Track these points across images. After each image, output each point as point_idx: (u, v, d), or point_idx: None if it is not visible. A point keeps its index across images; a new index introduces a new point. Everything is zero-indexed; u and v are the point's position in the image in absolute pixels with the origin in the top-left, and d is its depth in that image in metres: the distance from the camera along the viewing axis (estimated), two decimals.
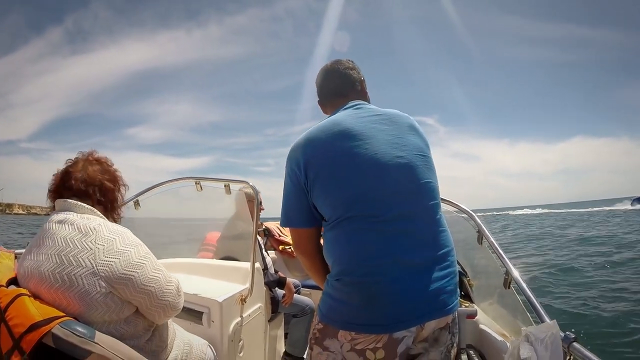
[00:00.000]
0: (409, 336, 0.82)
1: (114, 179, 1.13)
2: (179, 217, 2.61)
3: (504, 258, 1.42)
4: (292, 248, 2.82)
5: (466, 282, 1.96)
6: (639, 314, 4.06)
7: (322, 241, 0.99)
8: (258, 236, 1.80)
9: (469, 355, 1.50)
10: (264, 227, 3.08)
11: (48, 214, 1.03)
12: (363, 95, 1.11)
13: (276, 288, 2.07)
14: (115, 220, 1.11)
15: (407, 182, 0.89)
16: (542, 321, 1.01)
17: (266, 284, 1.92)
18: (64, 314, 0.86)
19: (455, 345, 0.94)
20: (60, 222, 0.97)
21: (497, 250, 1.49)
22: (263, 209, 1.93)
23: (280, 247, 3.09)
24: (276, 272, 2.17)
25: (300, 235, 1.00)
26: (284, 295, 2.08)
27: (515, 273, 1.33)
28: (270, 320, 1.97)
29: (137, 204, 2.13)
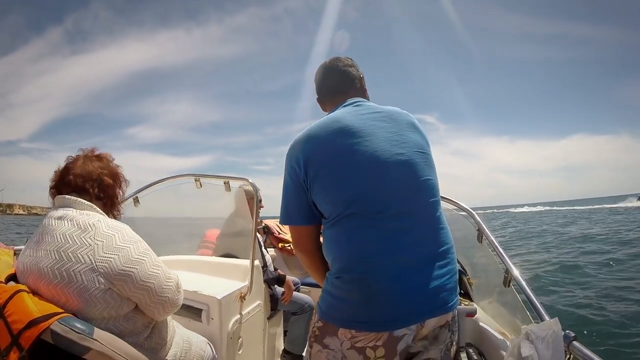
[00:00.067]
0: (409, 334, 0.82)
1: (114, 174, 1.12)
2: (179, 215, 2.60)
3: (503, 256, 1.42)
4: (291, 246, 2.82)
5: (465, 280, 1.96)
6: None
7: (321, 239, 0.99)
8: (257, 234, 1.80)
9: (468, 354, 1.50)
10: (263, 224, 3.07)
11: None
12: (362, 93, 1.10)
13: (275, 285, 2.07)
14: (115, 217, 1.11)
15: (407, 179, 0.88)
16: (542, 320, 1.00)
17: (265, 281, 1.92)
18: (62, 311, 0.86)
19: (454, 343, 0.94)
20: (59, 218, 0.96)
21: (497, 248, 1.48)
22: (262, 207, 1.93)
23: (280, 244, 3.09)
24: (275, 269, 2.17)
25: (299, 232, 1.00)
26: (283, 293, 2.08)
27: (515, 271, 1.33)
28: (269, 318, 1.97)
29: (136, 200, 2.12)
